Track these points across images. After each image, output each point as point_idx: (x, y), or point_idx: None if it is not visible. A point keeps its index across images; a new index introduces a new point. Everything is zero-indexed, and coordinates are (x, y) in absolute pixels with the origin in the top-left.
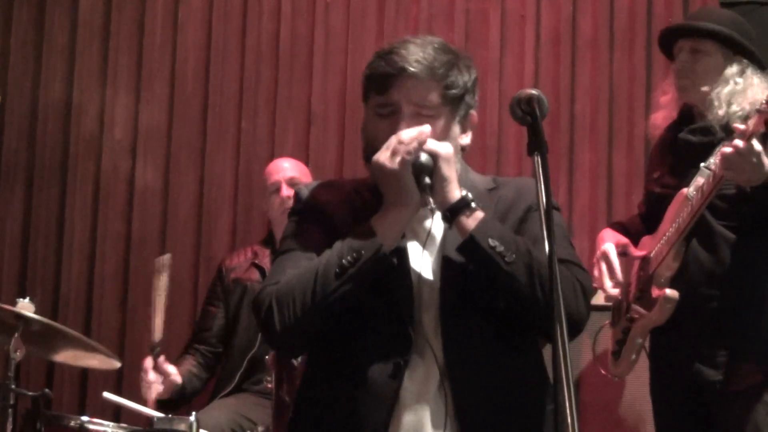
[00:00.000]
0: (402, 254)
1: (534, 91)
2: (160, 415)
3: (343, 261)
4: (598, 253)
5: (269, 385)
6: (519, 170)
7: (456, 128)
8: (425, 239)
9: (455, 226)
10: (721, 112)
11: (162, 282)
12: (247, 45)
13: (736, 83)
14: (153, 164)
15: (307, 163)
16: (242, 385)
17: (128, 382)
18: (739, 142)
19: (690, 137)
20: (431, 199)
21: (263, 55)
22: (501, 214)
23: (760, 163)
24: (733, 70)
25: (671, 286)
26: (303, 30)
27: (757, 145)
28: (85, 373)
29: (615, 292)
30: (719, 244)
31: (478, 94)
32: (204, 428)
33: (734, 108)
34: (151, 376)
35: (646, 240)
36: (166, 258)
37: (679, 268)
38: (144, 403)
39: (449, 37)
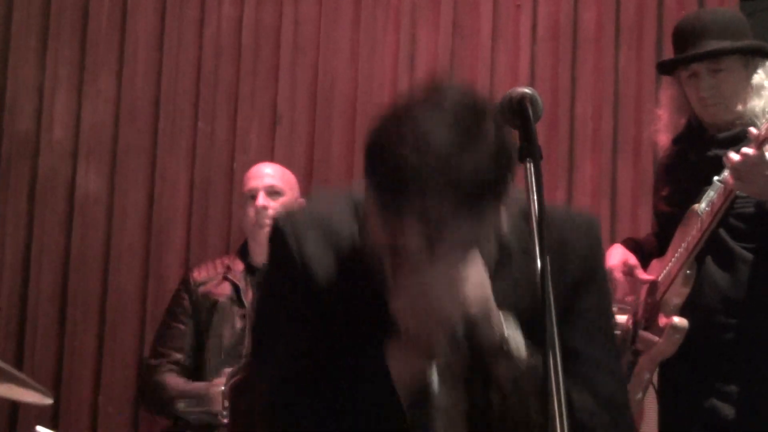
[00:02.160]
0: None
1: (527, 90)
2: None
3: (361, 422)
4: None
5: (225, 420)
6: None
7: (489, 225)
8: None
9: (493, 369)
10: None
11: None
12: (205, 35)
13: (765, 88)
14: (96, 168)
15: None
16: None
17: (65, 414)
18: (748, 150)
19: (706, 152)
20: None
21: (223, 47)
22: (537, 301)
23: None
24: (760, 76)
25: (682, 314)
26: (269, 19)
27: None
28: (16, 404)
29: (622, 318)
30: (738, 267)
31: None
32: None
33: None
34: None
35: (655, 263)
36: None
37: (690, 294)
38: None
39: (434, 30)
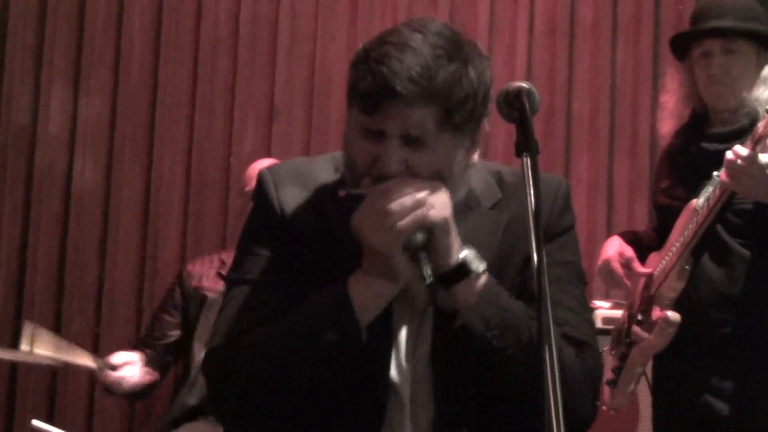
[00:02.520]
0: (382, 341)
1: (524, 84)
2: None
3: (314, 341)
4: (599, 263)
5: None
6: None
7: (460, 153)
8: (416, 319)
9: (450, 296)
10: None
11: (46, 344)
12: (202, 29)
13: None
14: (93, 162)
15: None
16: (204, 407)
17: (60, 408)
18: (741, 149)
19: (705, 145)
20: (427, 272)
21: (220, 41)
22: (507, 248)
23: (765, 178)
24: None
25: (676, 309)
26: (266, 12)
27: (763, 158)
28: (12, 398)
29: (617, 313)
30: (734, 263)
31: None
32: None
33: None
34: (115, 376)
35: (653, 256)
36: (30, 329)
37: (685, 289)
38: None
39: None
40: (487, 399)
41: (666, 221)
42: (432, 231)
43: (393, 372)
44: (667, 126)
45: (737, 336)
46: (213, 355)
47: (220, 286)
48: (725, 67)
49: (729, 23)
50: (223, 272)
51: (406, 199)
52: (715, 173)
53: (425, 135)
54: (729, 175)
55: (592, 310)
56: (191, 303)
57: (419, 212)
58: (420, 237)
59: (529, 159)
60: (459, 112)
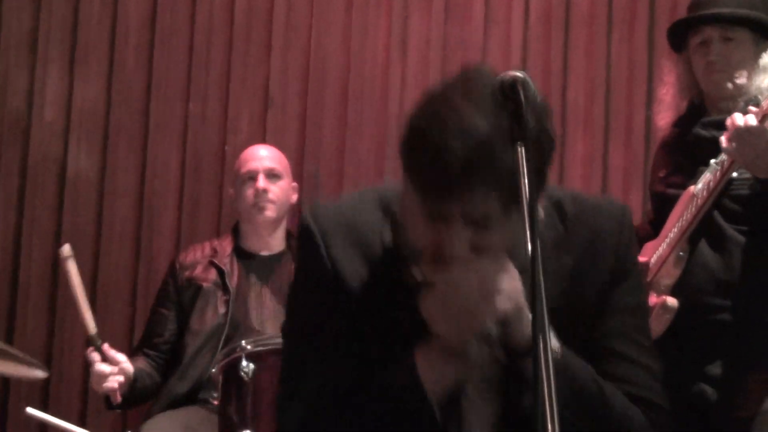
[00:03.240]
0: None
1: (519, 74)
2: None
3: (388, 424)
4: None
5: (216, 402)
6: None
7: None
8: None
9: (525, 369)
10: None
11: (75, 272)
12: (197, 17)
13: None
14: (88, 150)
15: None
16: (193, 395)
17: (55, 396)
18: (751, 118)
19: (702, 132)
20: (499, 357)
21: (215, 29)
22: (575, 296)
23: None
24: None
25: (672, 295)
26: (261, 1)
27: None
28: (6, 387)
29: None
30: (731, 249)
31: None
32: None
33: None
34: (102, 366)
35: (648, 246)
36: (66, 248)
37: (681, 275)
38: (108, 399)
39: (426, 13)
40: None
41: (662, 210)
42: (506, 321)
43: None
44: (665, 118)
45: (733, 323)
46: (286, 414)
47: (214, 275)
48: (724, 55)
49: (727, 10)
50: (216, 261)
51: (477, 294)
52: (713, 161)
53: (491, 216)
54: (733, 143)
55: (657, 358)
56: (185, 294)
57: (491, 307)
58: (493, 327)
59: (523, 149)
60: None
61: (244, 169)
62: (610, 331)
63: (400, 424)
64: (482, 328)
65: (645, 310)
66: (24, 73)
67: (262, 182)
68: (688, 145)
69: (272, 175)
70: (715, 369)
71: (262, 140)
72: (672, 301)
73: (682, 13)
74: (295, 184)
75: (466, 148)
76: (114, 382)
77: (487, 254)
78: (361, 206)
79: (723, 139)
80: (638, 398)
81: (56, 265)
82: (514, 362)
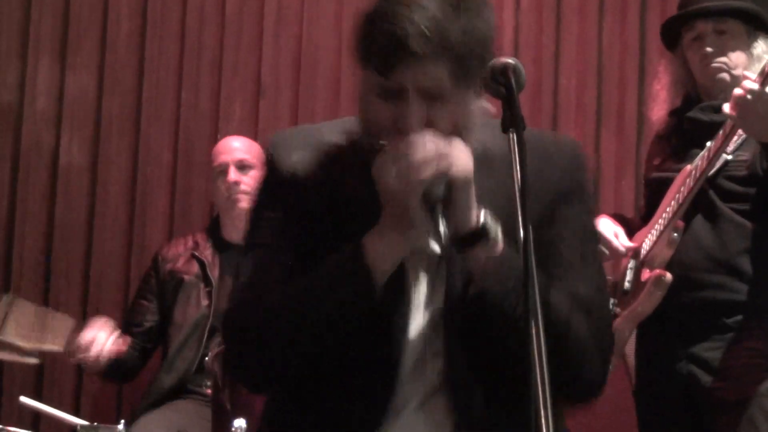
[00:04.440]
0: (396, 297)
1: (510, 60)
2: (84, 423)
3: (329, 298)
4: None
5: (208, 390)
6: None
7: (474, 101)
8: (429, 275)
9: (466, 259)
10: None
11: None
12: (189, 5)
13: (764, 59)
14: (80, 139)
15: (255, 141)
16: (181, 388)
17: (48, 385)
18: (751, 84)
19: (700, 115)
20: (443, 228)
21: (207, 17)
22: (514, 205)
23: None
24: (762, 47)
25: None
26: None
27: None
28: (0, 376)
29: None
30: (725, 227)
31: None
32: None
33: None
34: (85, 337)
35: (639, 233)
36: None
37: (675, 253)
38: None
39: None
40: (494, 359)
41: (657, 195)
42: (453, 186)
43: (409, 328)
44: (659, 113)
45: (726, 302)
46: (230, 317)
47: (196, 268)
48: (718, 47)
49: (718, 3)
50: (197, 254)
51: (429, 149)
52: (708, 143)
53: (443, 90)
54: (736, 109)
55: (602, 267)
56: (167, 287)
57: (442, 163)
58: (440, 190)
59: (515, 135)
60: (473, 64)
61: (215, 163)
62: (555, 239)
63: (340, 300)
64: (430, 188)
65: (594, 233)
66: (15, 62)
67: (233, 174)
68: (684, 131)
69: (243, 166)
70: (705, 350)
71: (254, 129)
72: (666, 275)
73: (673, 1)
74: None
75: (417, 19)
76: (103, 344)
77: (440, 128)
78: (323, 127)
79: (726, 106)
80: (580, 301)
81: (49, 253)
82: (457, 247)
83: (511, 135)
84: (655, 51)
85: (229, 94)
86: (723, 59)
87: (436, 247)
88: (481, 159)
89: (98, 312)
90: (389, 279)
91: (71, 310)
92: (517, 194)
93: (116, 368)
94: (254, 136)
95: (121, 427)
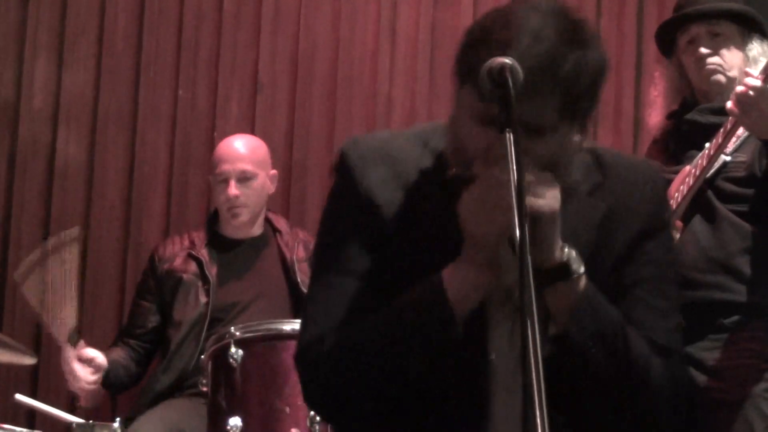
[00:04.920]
0: (477, 326)
1: (507, 60)
2: (80, 420)
3: (411, 336)
4: None
5: (204, 389)
6: None
7: (575, 136)
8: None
9: (546, 296)
10: None
11: (71, 258)
12: (186, 3)
13: (759, 61)
14: (77, 136)
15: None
16: (179, 385)
17: (44, 383)
18: (754, 80)
19: (698, 117)
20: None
21: (204, 14)
22: (604, 240)
23: None
24: (758, 49)
25: None
26: None
27: None
28: None
29: None
30: (724, 227)
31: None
32: None
33: None
34: (77, 367)
35: None
36: (74, 231)
37: None
38: (74, 403)
39: (416, 1)
40: (577, 398)
41: None
42: (537, 222)
43: (493, 364)
44: (656, 118)
45: (723, 302)
46: (309, 353)
47: (193, 266)
48: (714, 49)
49: (711, 5)
50: (194, 252)
51: (511, 194)
52: (707, 144)
53: (546, 124)
54: (738, 106)
55: (678, 307)
56: (165, 286)
57: (528, 201)
58: (526, 229)
59: (512, 136)
60: (580, 102)
61: (217, 170)
62: (637, 279)
63: (421, 337)
64: (514, 232)
65: (673, 266)
66: (12, 59)
67: (233, 189)
68: (682, 133)
69: (244, 178)
70: (701, 350)
71: (251, 126)
72: None
73: (670, 1)
74: (273, 172)
75: (532, 51)
76: (84, 384)
77: (535, 161)
78: (400, 138)
79: (729, 103)
80: (659, 346)
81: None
82: (539, 286)
83: (507, 135)
84: (651, 52)
85: (226, 92)
86: (718, 61)
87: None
88: (567, 193)
89: (94, 308)
90: (470, 315)
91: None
92: (514, 195)
93: (105, 385)
94: (251, 133)
95: (116, 425)
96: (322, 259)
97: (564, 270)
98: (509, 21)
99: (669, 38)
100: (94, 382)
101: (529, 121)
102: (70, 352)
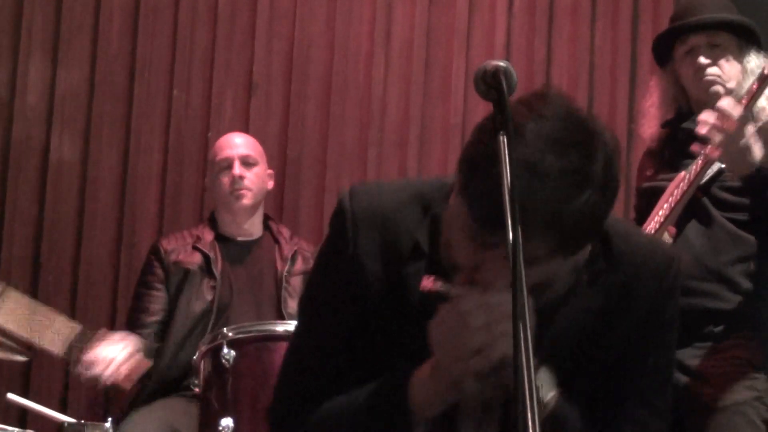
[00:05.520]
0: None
1: (501, 63)
2: (72, 420)
3: None
4: None
5: (197, 389)
6: None
7: (568, 264)
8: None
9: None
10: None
11: (14, 305)
12: (182, 3)
13: (756, 73)
14: (70, 135)
15: None
16: (175, 384)
17: (36, 382)
18: (736, 108)
19: (693, 126)
20: (494, 397)
21: (199, 14)
22: (598, 329)
23: (746, 147)
24: (755, 61)
25: None
26: None
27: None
28: None
29: None
30: (719, 236)
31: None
32: None
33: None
34: (100, 357)
35: None
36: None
37: None
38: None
39: (410, 0)
40: None
41: (649, 204)
42: (506, 360)
43: None
44: (650, 129)
45: (714, 310)
46: (281, 418)
47: (199, 258)
48: (712, 59)
49: (711, 16)
50: (200, 246)
51: (482, 335)
52: (703, 151)
53: (538, 259)
54: (718, 144)
55: (668, 419)
56: (173, 277)
57: (494, 349)
58: (492, 370)
59: (505, 139)
60: (579, 242)
61: (219, 157)
62: (627, 387)
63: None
64: (482, 369)
65: (670, 369)
66: (7, 58)
67: (237, 169)
68: (677, 142)
69: (247, 162)
70: (689, 357)
71: (246, 126)
72: None
73: (665, 5)
74: (270, 171)
75: (535, 196)
76: (124, 370)
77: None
78: (402, 199)
79: (701, 130)
80: None
81: (38, 250)
82: (509, 405)
83: (501, 138)
84: (646, 55)
85: (221, 92)
86: (717, 71)
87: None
88: (554, 303)
89: (87, 309)
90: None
91: (60, 306)
92: (506, 197)
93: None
94: (245, 133)
95: (108, 425)
96: (308, 312)
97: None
98: (518, 154)
99: (666, 48)
100: (129, 355)
101: (527, 262)
102: (77, 365)
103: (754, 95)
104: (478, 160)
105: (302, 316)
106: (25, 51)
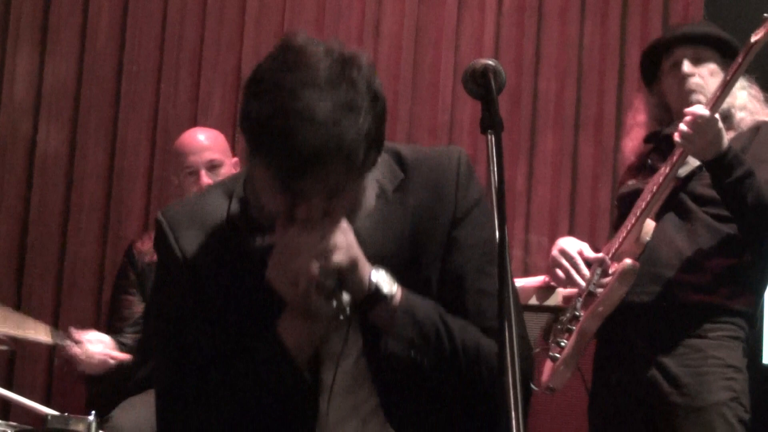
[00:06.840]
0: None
1: (490, 61)
2: (55, 413)
3: (261, 395)
4: (555, 251)
5: None
6: (473, 149)
7: (369, 177)
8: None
9: (372, 319)
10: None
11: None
12: None
13: (747, 91)
14: (57, 128)
15: (233, 135)
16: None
17: (19, 374)
18: (702, 110)
19: (674, 130)
20: (345, 308)
21: (188, 10)
22: (420, 235)
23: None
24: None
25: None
26: None
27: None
28: None
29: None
30: (699, 230)
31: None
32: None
33: (744, 115)
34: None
35: (608, 244)
36: None
37: (645, 251)
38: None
39: (401, 0)
40: (422, 400)
41: (628, 208)
42: (341, 272)
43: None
44: (631, 143)
45: (694, 304)
46: (166, 409)
47: None
48: (696, 69)
49: (698, 29)
50: None
51: (311, 253)
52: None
53: (340, 186)
54: (683, 136)
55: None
56: (147, 279)
57: (325, 264)
58: (331, 282)
59: (493, 137)
60: (368, 154)
61: (185, 163)
62: (460, 267)
63: (274, 394)
64: (319, 284)
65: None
66: None
67: (204, 178)
68: (659, 147)
69: (213, 167)
70: (667, 355)
71: (233, 123)
72: (634, 264)
73: (654, 6)
74: (235, 159)
75: (313, 135)
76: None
77: (333, 216)
78: (207, 197)
79: (676, 135)
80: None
81: (24, 242)
82: (362, 311)
83: (489, 137)
84: (634, 55)
85: (209, 88)
86: (700, 82)
87: (343, 317)
88: (375, 211)
89: (72, 302)
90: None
91: (45, 300)
92: (494, 195)
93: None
94: (233, 129)
95: (91, 418)
96: (157, 321)
97: (375, 296)
98: (284, 109)
99: (653, 65)
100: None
101: (323, 189)
102: (63, 348)
103: (719, 98)
104: (258, 123)
105: (160, 337)
106: (13, 43)
